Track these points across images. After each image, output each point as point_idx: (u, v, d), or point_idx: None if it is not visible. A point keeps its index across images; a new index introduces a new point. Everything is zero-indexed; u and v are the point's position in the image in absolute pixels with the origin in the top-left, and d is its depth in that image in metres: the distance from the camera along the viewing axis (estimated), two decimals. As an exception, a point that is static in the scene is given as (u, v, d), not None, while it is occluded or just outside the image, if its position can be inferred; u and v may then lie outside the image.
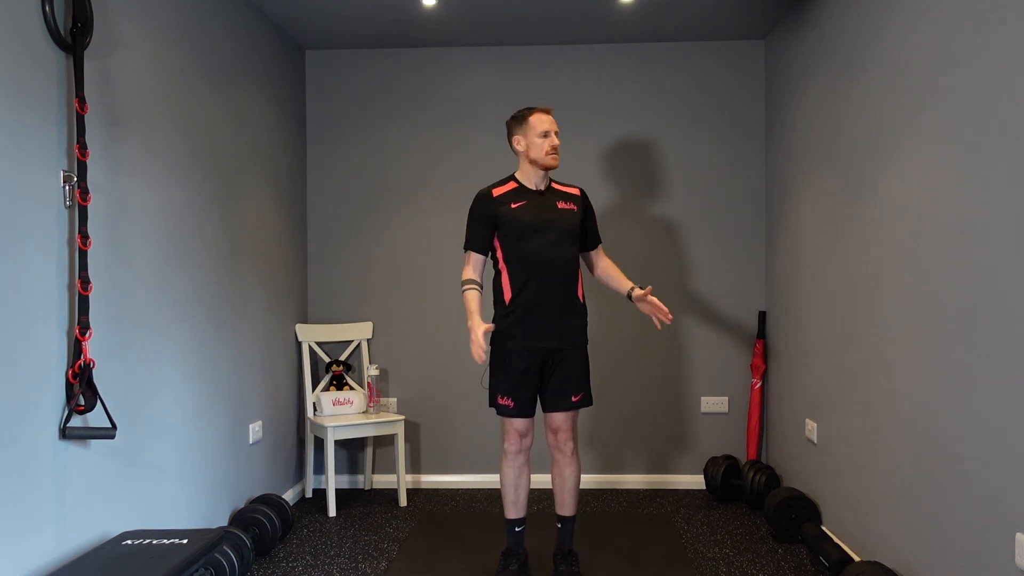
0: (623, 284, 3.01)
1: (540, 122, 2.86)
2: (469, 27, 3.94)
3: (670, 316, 2.86)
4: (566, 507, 2.99)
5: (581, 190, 3.02)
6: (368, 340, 4.25)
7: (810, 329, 3.49)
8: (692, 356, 4.20)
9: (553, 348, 2.86)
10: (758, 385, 4.07)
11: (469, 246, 2.93)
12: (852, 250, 3.02)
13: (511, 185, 2.93)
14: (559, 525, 3.01)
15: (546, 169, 2.90)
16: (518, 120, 2.91)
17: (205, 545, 2.27)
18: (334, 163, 4.29)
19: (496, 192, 2.91)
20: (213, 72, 3.19)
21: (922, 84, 2.48)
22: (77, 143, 2.26)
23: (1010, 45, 2.02)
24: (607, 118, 4.20)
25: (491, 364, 2.93)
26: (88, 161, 2.30)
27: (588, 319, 3.07)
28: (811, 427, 3.47)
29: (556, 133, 2.89)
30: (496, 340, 2.90)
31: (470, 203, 2.93)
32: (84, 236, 2.26)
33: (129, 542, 2.28)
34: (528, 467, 2.97)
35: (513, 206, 2.87)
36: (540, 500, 3.95)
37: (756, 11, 3.74)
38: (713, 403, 4.20)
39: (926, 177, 2.45)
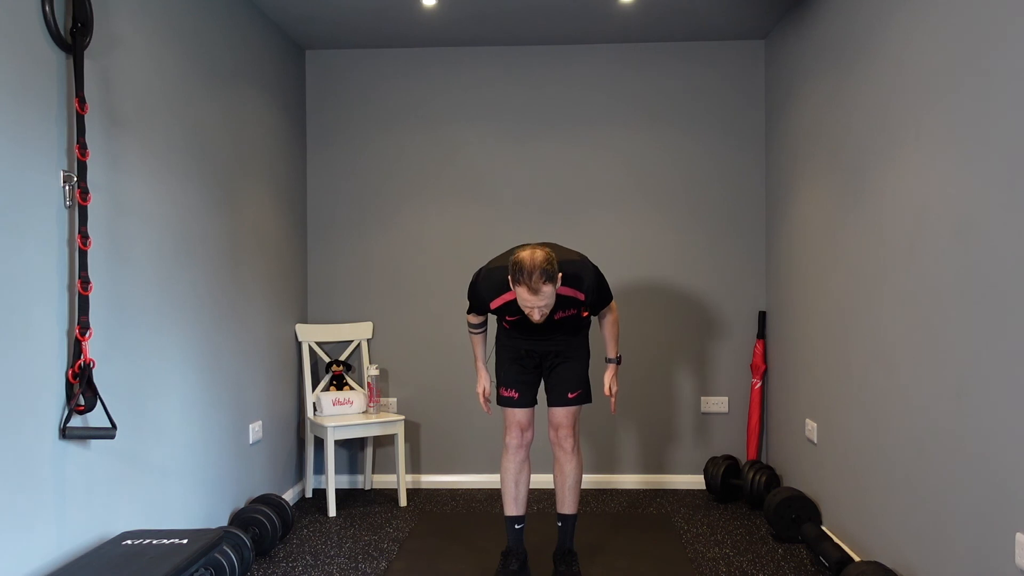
0: (607, 350, 3.08)
1: (523, 299, 2.60)
2: (469, 27, 3.94)
3: (613, 410, 3.09)
4: (567, 505, 3.00)
5: (587, 292, 2.77)
6: (368, 340, 4.25)
7: (810, 329, 3.49)
8: (692, 356, 4.20)
9: (551, 351, 2.97)
10: (758, 385, 4.07)
11: (469, 311, 3.03)
12: (852, 250, 3.02)
13: (510, 296, 2.75)
14: (559, 524, 3.02)
15: None
16: (512, 274, 2.60)
17: (205, 545, 2.27)
18: (334, 163, 4.29)
19: (494, 304, 2.82)
20: (213, 72, 3.19)
21: (922, 84, 2.47)
22: (77, 143, 2.26)
23: (1010, 45, 2.02)
24: (607, 118, 4.20)
25: (495, 355, 3.08)
26: (88, 161, 2.30)
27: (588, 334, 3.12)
28: (811, 427, 3.47)
29: (542, 307, 2.60)
30: (498, 338, 3.07)
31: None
32: (84, 236, 2.26)
33: (129, 542, 2.28)
34: (528, 463, 3.02)
35: (508, 319, 2.89)
36: (540, 500, 3.95)
37: (756, 11, 3.74)
38: (713, 403, 4.20)
39: (926, 177, 2.45)
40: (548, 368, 2.97)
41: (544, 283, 2.55)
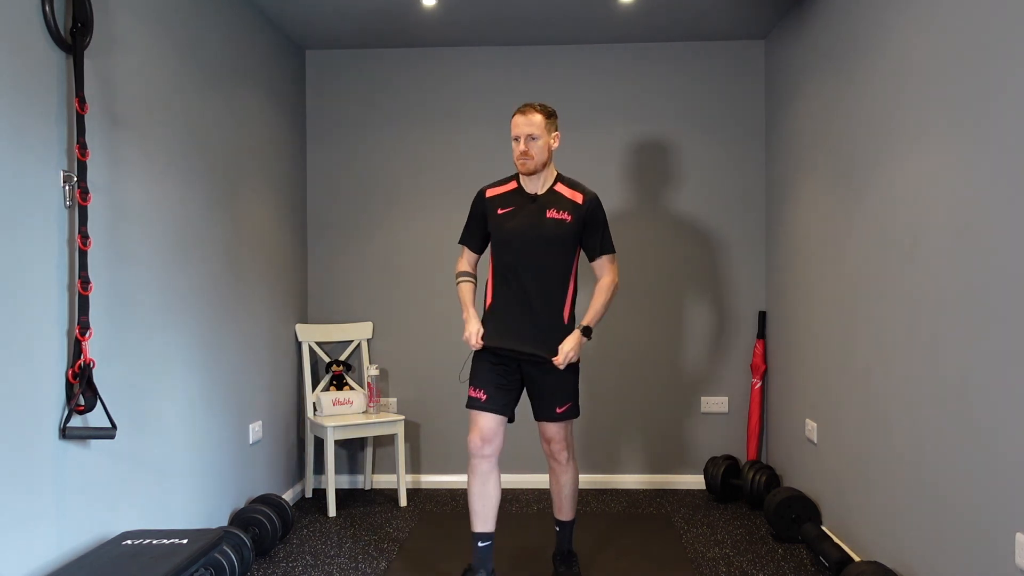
0: (585, 317, 2.81)
1: (513, 126, 2.75)
2: (469, 27, 3.94)
3: (556, 361, 2.72)
4: (564, 512, 2.96)
5: (586, 197, 2.80)
6: (368, 340, 4.25)
7: (810, 329, 3.49)
8: (692, 356, 4.20)
9: (531, 356, 2.75)
10: (758, 385, 4.07)
11: (462, 241, 2.97)
12: (852, 250, 3.02)
13: (510, 186, 2.86)
14: (557, 528, 3.00)
15: (522, 174, 2.80)
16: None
17: (205, 545, 2.27)
18: (334, 163, 4.29)
19: (489, 193, 2.88)
20: (213, 72, 3.19)
21: (922, 84, 2.48)
22: (77, 143, 2.26)
23: (1010, 44, 2.02)
24: (607, 118, 4.20)
25: (472, 360, 2.86)
26: (88, 161, 2.30)
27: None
28: (811, 427, 3.47)
29: (529, 137, 2.70)
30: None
31: (471, 202, 2.94)
32: (84, 236, 2.26)
33: (129, 542, 2.28)
34: (496, 475, 2.77)
35: (500, 211, 2.81)
36: (540, 500, 3.95)
37: (756, 11, 3.74)
38: (713, 403, 4.20)
39: (926, 177, 2.45)
40: (532, 379, 2.79)
41: (536, 111, 2.73)
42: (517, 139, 2.73)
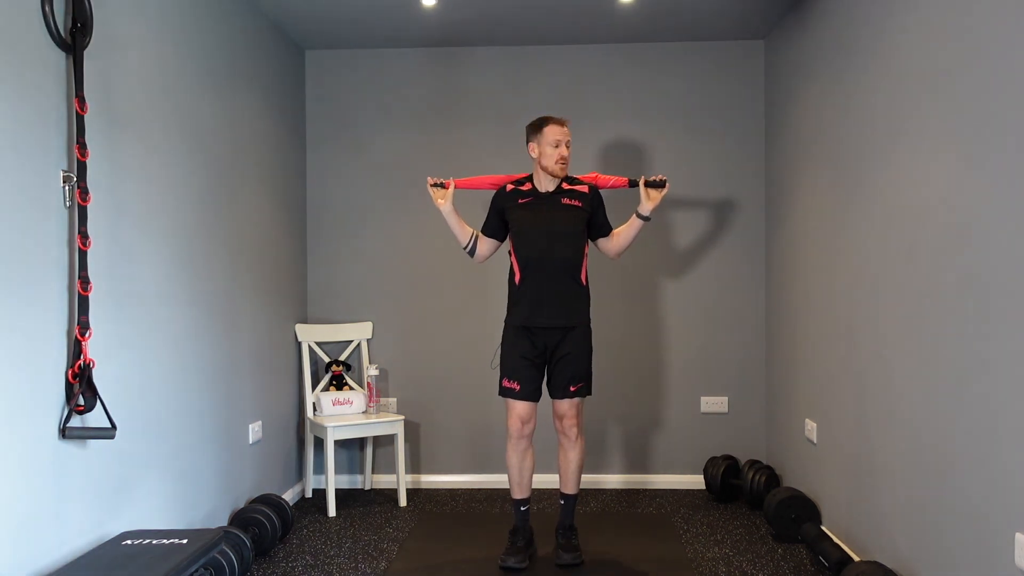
0: (634, 213, 3.18)
1: (553, 133, 3.06)
2: (469, 27, 3.94)
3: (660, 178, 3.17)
4: (569, 486, 3.19)
5: (589, 187, 3.19)
6: (368, 340, 4.25)
7: (810, 329, 3.49)
8: (692, 356, 4.20)
9: (555, 326, 3.07)
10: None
11: (482, 230, 3.27)
12: (852, 250, 3.02)
13: (526, 186, 3.18)
14: (562, 502, 3.19)
15: (555, 176, 3.12)
16: (535, 128, 3.12)
17: (205, 545, 2.27)
18: (334, 163, 4.29)
19: (509, 187, 3.20)
20: (213, 72, 3.19)
21: (922, 84, 2.48)
22: (77, 143, 2.26)
23: (1009, 45, 2.02)
24: (607, 118, 4.20)
25: (500, 349, 3.17)
26: (88, 161, 2.30)
27: (591, 323, 3.21)
28: (811, 427, 3.47)
29: (567, 144, 3.09)
30: (505, 325, 3.17)
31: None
32: (84, 236, 2.26)
33: (129, 542, 2.28)
34: (531, 450, 3.18)
35: (520, 201, 3.15)
36: (540, 499, 3.95)
37: (756, 11, 3.74)
38: (713, 403, 4.20)
39: (926, 177, 2.45)
40: (553, 362, 3.09)
41: (567, 123, 3.12)
42: (558, 145, 3.07)
